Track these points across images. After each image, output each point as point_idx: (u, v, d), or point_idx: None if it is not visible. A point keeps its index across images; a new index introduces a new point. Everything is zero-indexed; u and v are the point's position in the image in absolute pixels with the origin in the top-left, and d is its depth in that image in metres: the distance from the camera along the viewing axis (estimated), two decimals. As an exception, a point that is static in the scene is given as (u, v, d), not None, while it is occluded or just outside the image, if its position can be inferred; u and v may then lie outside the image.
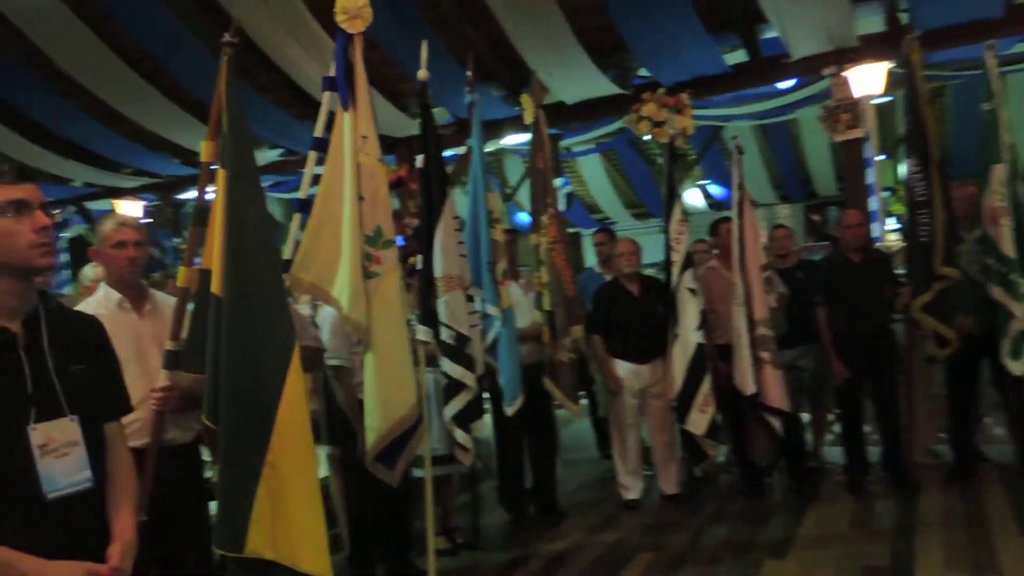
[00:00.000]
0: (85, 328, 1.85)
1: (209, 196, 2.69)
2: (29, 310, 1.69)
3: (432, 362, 3.88)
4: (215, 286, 2.46)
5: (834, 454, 5.49)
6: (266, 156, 8.75)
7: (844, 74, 6.17)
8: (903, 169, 6.53)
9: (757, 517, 4.67)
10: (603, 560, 4.24)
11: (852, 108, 6.19)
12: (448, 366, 3.73)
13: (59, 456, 1.64)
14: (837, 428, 5.49)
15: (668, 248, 5.01)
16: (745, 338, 4.70)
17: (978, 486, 4.78)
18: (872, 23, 6.11)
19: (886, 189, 9.81)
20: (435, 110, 6.98)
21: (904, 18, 5.96)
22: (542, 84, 5.40)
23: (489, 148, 9.25)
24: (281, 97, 7.24)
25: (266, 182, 10.20)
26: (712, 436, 4.88)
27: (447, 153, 7.98)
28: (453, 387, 3.76)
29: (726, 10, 6.17)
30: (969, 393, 4.97)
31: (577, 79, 6.68)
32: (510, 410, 4.38)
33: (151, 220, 10.29)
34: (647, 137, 5.57)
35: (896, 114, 9.64)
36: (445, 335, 3.73)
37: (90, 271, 4.73)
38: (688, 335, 4.86)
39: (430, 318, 3.72)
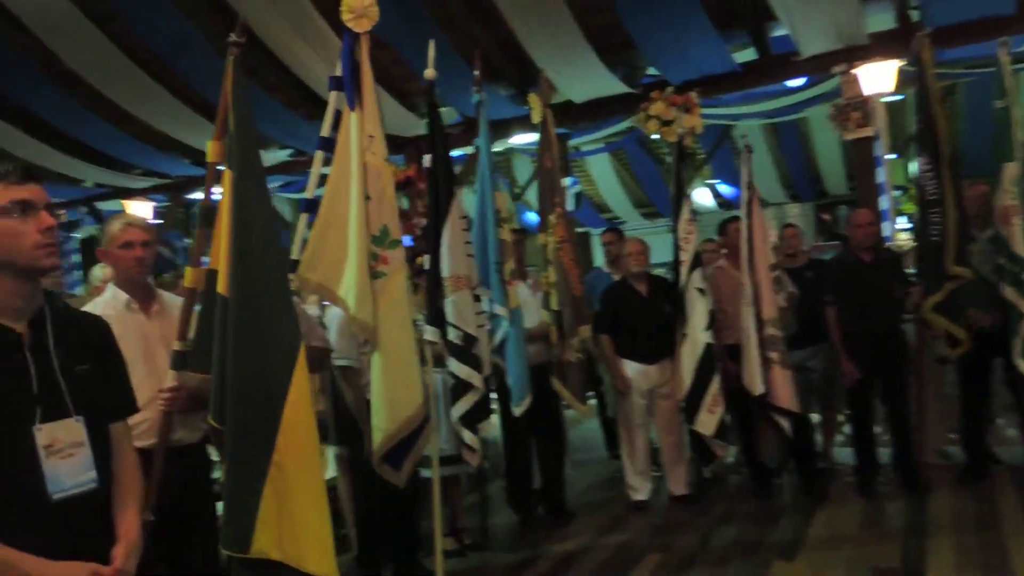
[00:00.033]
0: (91, 328, 1.85)
1: (216, 196, 2.69)
2: (35, 310, 1.69)
3: (439, 362, 3.88)
4: (221, 286, 2.46)
5: (844, 455, 5.45)
6: (276, 156, 8.78)
7: (854, 72, 6.12)
8: (914, 167, 6.47)
9: (766, 518, 4.65)
10: (612, 561, 4.23)
11: (862, 106, 6.15)
12: (455, 366, 3.73)
13: (64, 456, 1.64)
14: (847, 429, 5.45)
15: (677, 248, 4.99)
16: (754, 338, 4.68)
17: (990, 488, 4.73)
18: (883, 20, 6.07)
19: (897, 188, 9.75)
20: (443, 109, 7.01)
21: (915, 15, 5.91)
22: (550, 83, 5.39)
23: (498, 147, 9.27)
24: (290, 98, 7.26)
25: (276, 182, 10.24)
26: (721, 437, 4.85)
27: (455, 153, 7.99)
28: (460, 387, 3.76)
29: (735, 8, 6.13)
30: (981, 393, 4.93)
31: (585, 78, 6.66)
32: (518, 410, 4.37)
33: (161, 221, 10.34)
34: (655, 136, 5.55)
35: (907, 112, 9.56)
36: (452, 335, 3.73)
37: (99, 271, 4.76)
38: (697, 335, 4.83)
39: (437, 318, 3.72)
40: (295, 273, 3.03)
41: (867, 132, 6.24)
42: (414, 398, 3.12)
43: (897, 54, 5.94)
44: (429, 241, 3.82)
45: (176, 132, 7.79)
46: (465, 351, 3.73)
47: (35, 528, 1.58)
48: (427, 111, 3.97)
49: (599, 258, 8.41)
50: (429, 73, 3.83)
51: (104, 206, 10.46)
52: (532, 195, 11.35)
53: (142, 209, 9.86)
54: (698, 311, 4.84)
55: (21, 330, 1.65)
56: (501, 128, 7.57)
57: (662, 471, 5.26)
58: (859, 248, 4.97)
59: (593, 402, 6.51)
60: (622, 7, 5.78)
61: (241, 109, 2.54)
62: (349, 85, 3.14)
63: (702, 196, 13.78)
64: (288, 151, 8.70)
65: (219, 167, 2.64)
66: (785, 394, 4.68)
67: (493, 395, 4.73)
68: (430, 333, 3.70)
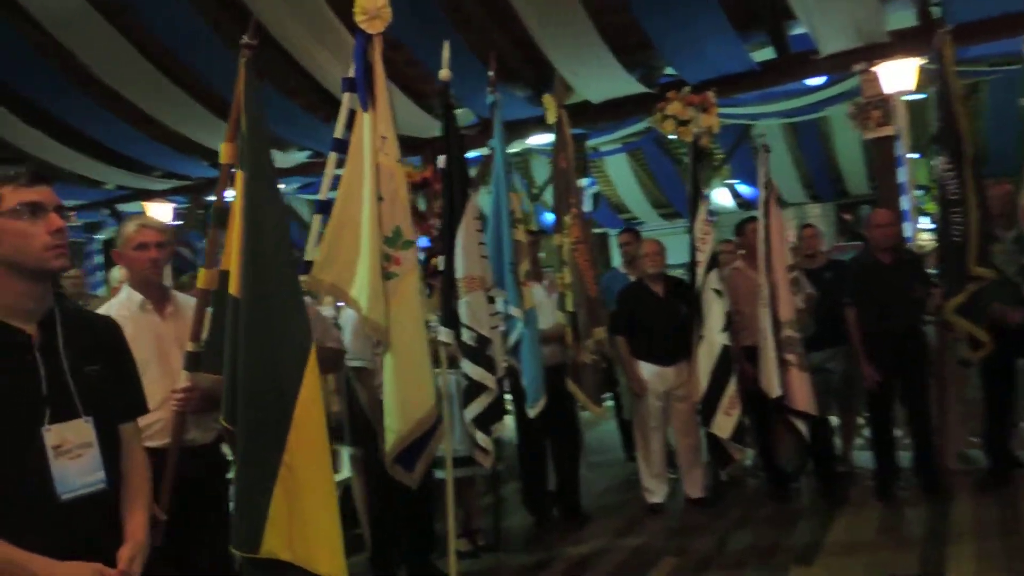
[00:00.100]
0: (101, 329, 1.87)
1: (229, 198, 2.70)
2: (45, 312, 1.70)
3: (453, 363, 3.87)
4: (233, 287, 2.47)
5: (863, 458, 5.38)
6: (294, 158, 8.84)
7: (874, 70, 6.05)
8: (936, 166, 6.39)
9: (784, 522, 4.60)
10: (627, 564, 4.20)
11: (883, 105, 6.08)
12: (469, 367, 3.72)
13: (73, 457, 1.65)
14: (867, 432, 5.38)
15: (693, 248, 4.95)
16: (771, 340, 4.63)
17: (1013, 493, 4.65)
18: (903, 18, 5.99)
19: (920, 187, 9.62)
20: (460, 111, 7.02)
21: (936, 12, 5.82)
22: (565, 84, 5.38)
23: (515, 148, 9.26)
24: (309, 101, 7.30)
25: (294, 184, 10.31)
26: (738, 439, 4.81)
27: (472, 154, 8.00)
28: (473, 389, 3.75)
29: (753, 7, 6.08)
30: (1004, 396, 4.84)
31: (602, 78, 6.63)
32: (532, 412, 4.35)
33: (181, 222, 10.43)
34: (672, 136, 5.52)
35: (930, 111, 9.44)
36: (466, 336, 3.72)
37: (118, 273, 4.81)
38: (713, 336, 4.79)
39: (451, 319, 3.71)
40: (309, 274, 3.04)
41: (888, 131, 6.17)
42: (426, 399, 3.12)
43: (918, 52, 5.85)
44: (443, 242, 3.81)
45: (195, 134, 7.85)
46: (479, 352, 3.72)
47: (43, 528, 1.59)
48: (442, 112, 3.97)
49: (617, 259, 8.37)
50: (444, 74, 3.83)
51: (125, 208, 10.57)
52: (550, 196, 11.33)
53: (162, 211, 9.96)
54: (715, 312, 4.80)
55: (31, 331, 1.67)
56: (518, 129, 7.56)
57: (678, 474, 5.22)
58: (879, 249, 4.90)
59: (610, 404, 6.48)
60: (638, 7, 5.74)
61: (253, 111, 2.55)
62: (362, 86, 3.14)
63: (721, 196, 13.69)
64: (306, 153, 8.75)
65: (232, 169, 2.65)
66: (802, 397, 4.62)
67: (508, 396, 4.73)
68: (444, 334, 3.70)
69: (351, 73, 3.19)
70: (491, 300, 3.93)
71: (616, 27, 6.09)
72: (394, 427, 3.09)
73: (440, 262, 3.82)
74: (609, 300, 5.27)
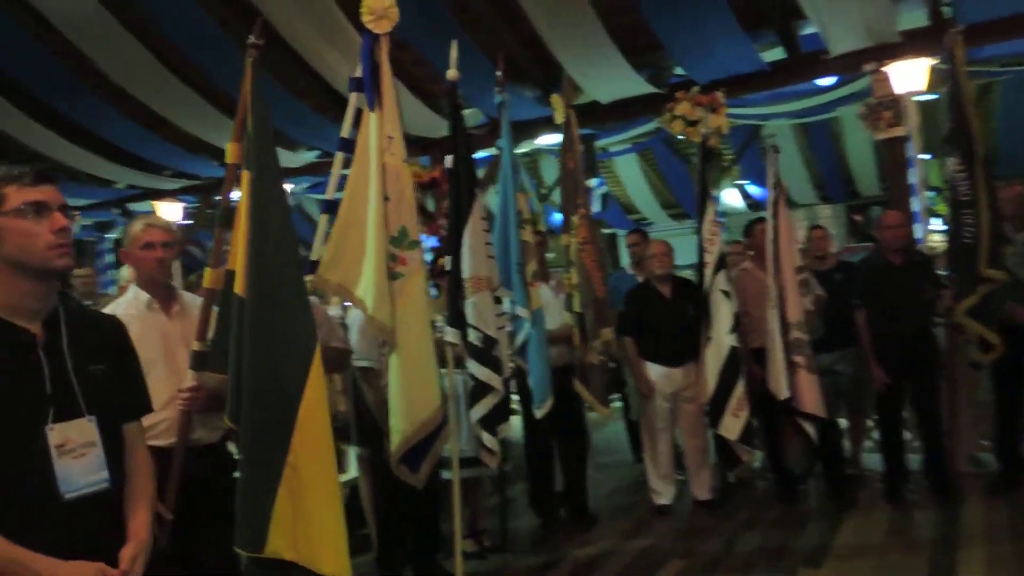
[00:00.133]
0: (106, 329, 1.87)
1: (235, 197, 2.71)
2: (49, 311, 1.71)
3: (460, 364, 3.87)
4: (238, 287, 2.47)
5: (873, 461, 5.34)
6: (303, 158, 8.87)
7: (885, 70, 6.01)
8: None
9: (792, 524, 4.57)
10: (634, 566, 4.18)
11: (894, 105, 6.04)
12: (475, 368, 3.71)
13: (76, 456, 1.65)
14: (876, 434, 5.34)
15: (701, 249, 4.93)
16: (779, 342, 4.60)
17: (1024, 496, 4.62)
18: (915, 18, 5.95)
19: (932, 189, 9.55)
20: (469, 111, 7.02)
21: (948, 12, 5.78)
22: (573, 84, 5.36)
23: (524, 148, 9.26)
24: (319, 101, 7.32)
25: (304, 183, 10.34)
26: (746, 441, 4.78)
27: (481, 154, 8.00)
28: (479, 389, 3.74)
29: (763, 6, 6.06)
30: (1016, 398, 4.79)
31: (611, 78, 6.62)
32: (539, 413, 4.34)
33: (192, 222, 10.48)
34: (681, 136, 5.50)
35: (943, 112, 9.37)
36: (472, 337, 3.71)
37: (127, 272, 4.83)
38: (721, 338, 4.77)
39: (458, 319, 3.70)
40: (315, 274, 3.04)
41: (899, 132, 6.12)
42: (431, 400, 3.11)
43: (929, 52, 5.81)
44: (450, 242, 3.81)
45: (205, 134, 7.89)
46: (485, 353, 3.71)
47: (46, 528, 1.59)
48: (449, 112, 3.96)
49: (626, 259, 8.35)
50: (451, 74, 3.83)
51: (136, 207, 10.63)
52: (559, 196, 11.31)
53: (172, 210, 10.00)
54: (723, 314, 4.78)
55: (35, 330, 1.67)
56: (527, 129, 7.56)
57: (686, 475, 5.20)
58: (889, 250, 4.87)
59: (618, 405, 6.47)
60: (647, 7, 5.73)
61: (259, 111, 2.56)
62: (369, 86, 3.14)
63: (731, 197, 13.64)
64: (316, 152, 8.78)
65: (239, 168, 2.66)
66: (811, 399, 4.60)
67: (515, 397, 4.72)
68: (450, 334, 3.69)
69: (358, 73, 3.19)
70: (498, 300, 3.92)
71: (625, 27, 6.08)
72: (399, 427, 3.08)
73: (447, 262, 3.82)
74: (617, 301, 5.26)
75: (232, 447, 2.84)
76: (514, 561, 4.39)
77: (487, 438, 3.73)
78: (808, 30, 6.15)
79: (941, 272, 5.11)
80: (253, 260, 2.41)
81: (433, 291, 4.39)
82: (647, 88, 6.73)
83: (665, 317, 5.00)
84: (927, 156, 8.56)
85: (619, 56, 6.21)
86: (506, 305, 4.15)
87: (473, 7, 6.12)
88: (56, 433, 1.63)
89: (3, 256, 1.63)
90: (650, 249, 5.24)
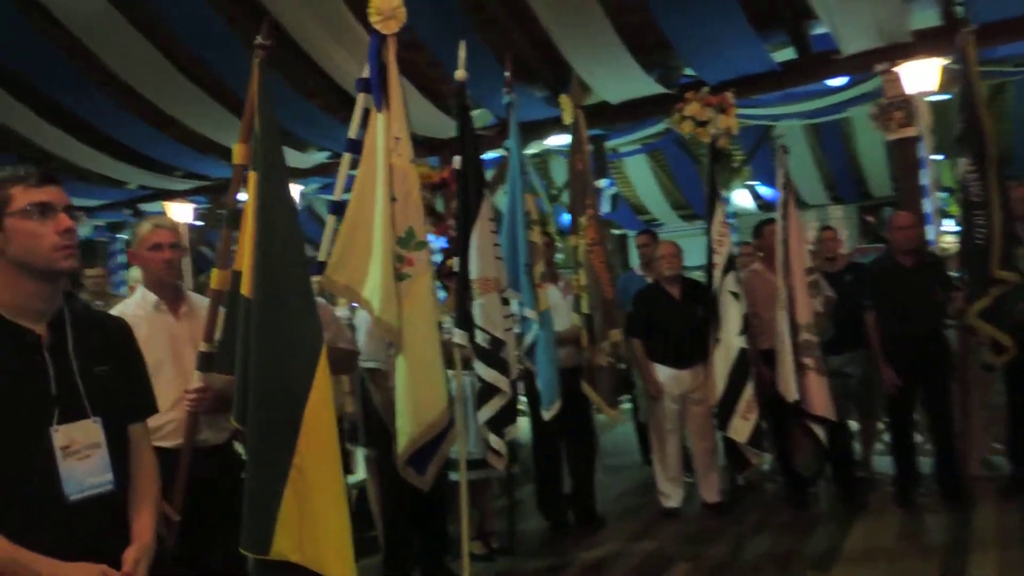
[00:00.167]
0: (111, 330, 1.87)
1: (243, 198, 2.71)
2: (55, 312, 1.71)
3: (468, 365, 3.86)
4: (245, 288, 2.47)
5: (883, 464, 5.31)
6: (314, 159, 8.89)
7: (896, 70, 5.96)
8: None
9: (801, 528, 4.54)
10: (641, 569, 4.17)
11: (905, 106, 5.99)
12: (482, 370, 3.69)
13: (81, 458, 1.65)
14: (887, 437, 5.30)
15: (710, 250, 4.90)
16: (788, 343, 4.57)
17: (1038, 501, 4.57)
18: (927, 17, 5.90)
19: (945, 190, 9.48)
20: (478, 111, 7.01)
21: (960, 11, 5.74)
22: (581, 84, 5.35)
23: (534, 149, 9.24)
24: (328, 102, 7.33)
25: (314, 184, 10.36)
26: (755, 444, 4.74)
27: (491, 155, 7.99)
28: (487, 391, 3.72)
29: (773, 6, 6.02)
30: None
31: (621, 79, 6.60)
32: (547, 414, 4.33)
33: (202, 222, 10.52)
34: (690, 136, 5.47)
35: (955, 112, 9.30)
36: (480, 338, 3.70)
37: (137, 272, 4.84)
38: (730, 339, 4.73)
39: (465, 321, 3.70)
40: (322, 275, 3.04)
41: (910, 132, 6.08)
42: (438, 401, 3.11)
43: (941, 52, 5.77)
44: (458, 243, 3.80)
45: (215, 135, 7.92)
46: (492, 354, 3.69)
47: (50, 529, 1.59)
48: (457, 113, 3.96)
49: (636, 260, 8.31)
50: (459, 74, 3.82)
51: (147, 207, 10.68)
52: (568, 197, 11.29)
53: (183, 211, 10.04)
54: (731, 315, 4.74)
55: (40, 331, 1.67)
56: (537, 130, 7.54)
57: (694, 478, 5.18)
58: (899, 251, 4.84)
59: (627, 406, 6.44)
60: (656, 6, 5.71)
61: (266, 111, 2.55)
62: (376, 86, 3.14)
63: (742, 198, 13.58)
64: (326, 153, 8.80)
65: (246, 169, 2.66)
66: (820, 401, 4.55)
67: (523, 398, 4.71)
68: (458, 336, 3.68)
69: (365, 74, 3.19)
70: (505, 302, 3.91)
71: (634, 27, 6.06)
72: (406, 429, 3.08)
73: (455, 263, 3.81)
74: (626, 302, 5.24)
75: (240, 448, 2.84)
76: (522, 563, 4.38)
77: (494, 440, 3.72)
78: (819, 30, 6.11)
79: (953, 273, 5.07)
80: (259, 261, 2.41)
81: (442, 293, 4.39)
82: (657, 88, 6.71)
83: (674, 318, 4.98)
84: (939, 157, 8.50)
85: (628, 56, 6.19)
86: (514, 306, 4.14)
87: (486, 7, 6.11)
88: (61, 434, 1.63)
89: (9, 257, 1.63)
90: (659, 250, 5.22)
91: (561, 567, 4.26)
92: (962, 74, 4.67)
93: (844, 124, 10.88)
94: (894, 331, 4.70)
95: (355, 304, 3.94)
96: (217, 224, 10.70)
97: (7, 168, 1.67)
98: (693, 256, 5.50)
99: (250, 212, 2.53)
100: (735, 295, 4.77)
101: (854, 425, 5.36)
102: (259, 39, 2.65)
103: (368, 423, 4.15)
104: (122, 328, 1.91)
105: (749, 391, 4.68)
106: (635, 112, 7.38)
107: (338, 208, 3.18)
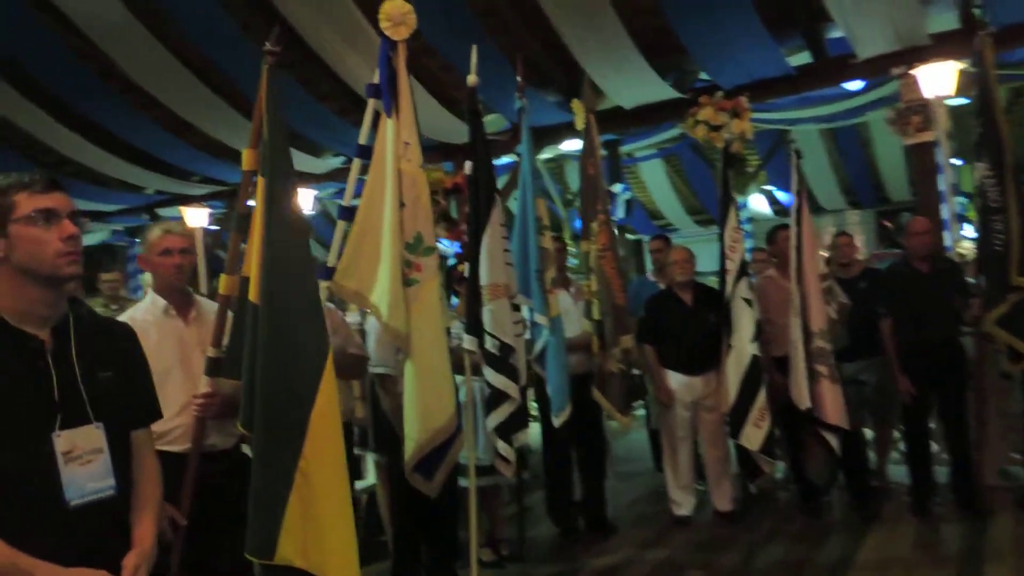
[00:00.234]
0: (116, 335, 1.87)
1: (252, 204, 2.72)
2: (59, 318, 1.71)
3: (477, 371, 3.85)
4: (252, 293, 2.48)
5: (899, 473, 5.23)
6: (328, 163, 8.92)
7: (913, 74, 5.90)
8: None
9: (814, 537, 4.49)
10: (651, 577, 4.14)
11: (923, 110, 5.92)
12: (491, 376, 3.69)
13: (83, 463, 1.65)
14: (902, 446, 5.23)
15: (723, 256, 4.87)
16: (801, 350, 4.52)
17: (1056, 511, 4.50)
18: (945, 20, 5.84)
19: (964, 195, 9.37)
20: (493, 116, 7.01)
21: (979, 14, 5.66)
22: (594, 88, 5.33)
23: (549, 154, 9.23)
24: (342, 105, 7.36)
25: (328, 189, 10.40)
26: (768, 452, 4.70)
27: (504, 160, 7.99)
28: (496, 397, 3.71)
29: (788, 10, 5.98)
30: (1048, 410, 4.69)
31: (635, 83, 6.57)
32: (558, 421, 4.31)
33: (218, 227, 10.58)
34: (704, 141, 5.45)
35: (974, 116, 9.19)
36: (489, 344, 3.69)
37: (150, 277, 4.88)
38: (743, 346, 4.69)
39: (475, 327, 3.69)
40: (331, 280, 3.04)
41: (927, 137, 6.00)
42: (445, 408, 3.10)
43: (959, 55, 5.70)
44: (469, 249, 3.80)
45: (231, 140, 7.97)
46: (502, 361, 3.69)
47: (51, 534, 1.59)
48: (469, 118, 3.96)
49: (651, 266, 8.26)
50: (471, 79, 3.82)
51: (164, 212, 10.77)
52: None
53: (199, 216, 10.11)
54: (744, 322, 4.71)
55: (44, 337, 1.67)
56: (551, 135, 7.53)
57: (706, 486, 5.13)
58: (916, 257, 4.78)
59: (640, 413, 6.41)
60: (671, 10, 5.68)
61: (275, 117, 2.56)
62: (386, 92, 3.15)
63: (758, 203, 13.50)
64: (340, 159, 8.83)
65: (255, 175, 2.67)
66: (833, 410, 4.49)
67: (533, 404, 4.70)
68: (468, 342, 3.68)
69: (376, 79, 3.20)
70: (516, 308, 3.90)
71: (647, 31, 6.04)
72: (413, 435, 3.08)
73: (466, 269, 3.81)
74: (639, 307, 5.21)
75: (249, 451, 2.84)
76: (531, 570, 4.36)
77: (502, 446, 3.71)
78: (835, 33, 6.06)
79: (970, 280, 5.00)
80: (267, 267, 2.42)
81: (454, 299, 4.39)
82: (671, 93, 6.67)
83: (686, 325, 4.94)
84: (958, 161, 8.40)
85: (641, 60, 6.16)
86: (525, 312, 4.13)
87: (499, 12, 6.11)
88: (63, 440, 1.63)
89: (13, 263, 1.64)
90: (671, 256, 5.19)
91: (571, 574, 4.24)
92: (979, 78, 4.61)
93: (862, 128, 10.80)
94: (910, 338, 4.64)
95: (365, 309, 3.95)
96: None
97: (12, 174, 1.67)
98: (709, 262, 5.46)
99: (258, 218, 2.54)
100: (748, 301, 4.73)
101: (869, 433, 5.29)
102: (268, 45, 2.66)
103: (378, 428, 4.15)
104: (127, 334, 1.91)
105: (762, 398, 4.64)
106: (649, 117, 7.35)
107: (348, 213, 3.19)
